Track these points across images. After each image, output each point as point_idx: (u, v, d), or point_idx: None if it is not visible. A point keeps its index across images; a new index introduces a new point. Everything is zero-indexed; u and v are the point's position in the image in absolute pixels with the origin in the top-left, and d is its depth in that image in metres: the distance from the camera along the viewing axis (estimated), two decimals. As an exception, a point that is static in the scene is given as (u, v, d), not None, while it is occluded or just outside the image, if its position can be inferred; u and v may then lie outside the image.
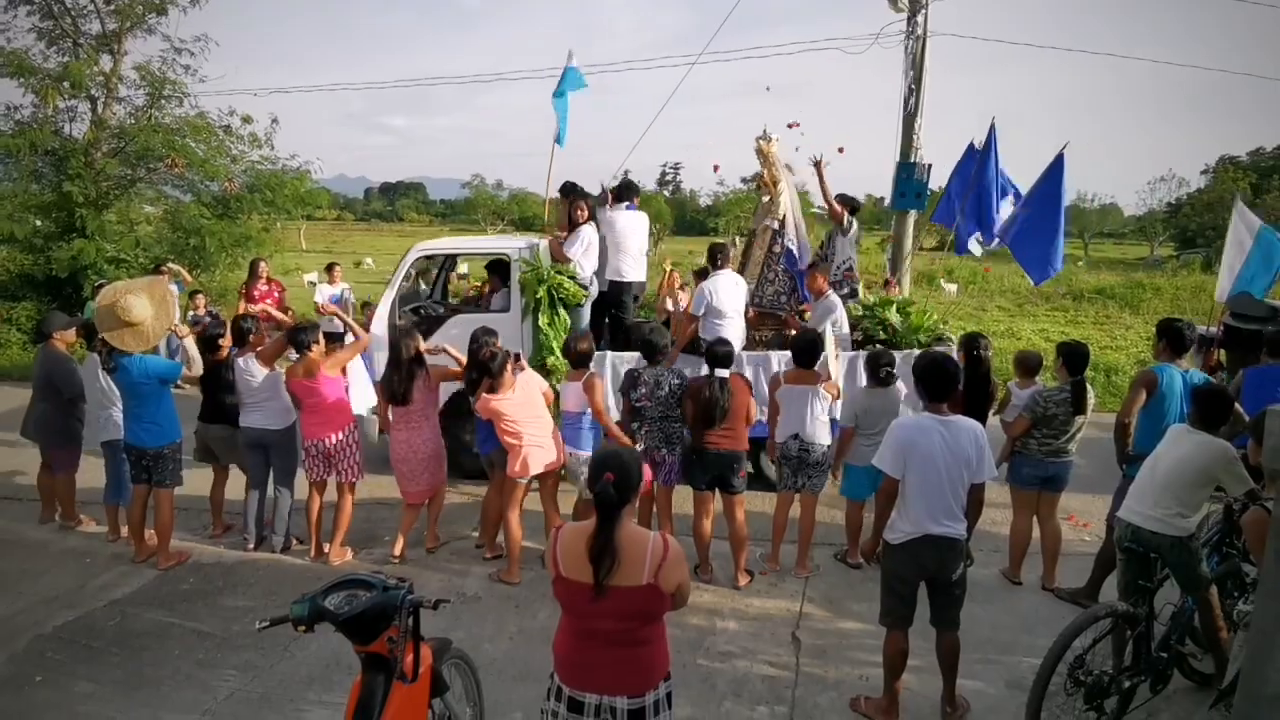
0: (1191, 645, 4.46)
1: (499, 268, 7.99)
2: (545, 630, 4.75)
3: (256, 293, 10.67)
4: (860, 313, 7.58)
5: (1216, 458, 4.11)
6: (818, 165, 8.08)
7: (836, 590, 5.77)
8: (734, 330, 6.94)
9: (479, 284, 10.71)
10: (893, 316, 7.36)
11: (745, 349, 7.12)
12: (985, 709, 4.34)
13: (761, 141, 7.68)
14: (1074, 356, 5.68)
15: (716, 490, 5.75)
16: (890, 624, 4.18)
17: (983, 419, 5.40)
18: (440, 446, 6.19)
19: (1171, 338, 5.45)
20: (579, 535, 2.77)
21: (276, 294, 10.93)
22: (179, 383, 6.18)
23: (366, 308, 7.14)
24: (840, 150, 9.11)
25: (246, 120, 15.72)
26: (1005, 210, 8.16)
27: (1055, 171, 7.27)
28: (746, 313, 7.32)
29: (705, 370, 5.66)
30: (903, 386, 5.95)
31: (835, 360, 6.25)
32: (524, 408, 5.57)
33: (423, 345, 6.07)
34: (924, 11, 10.90)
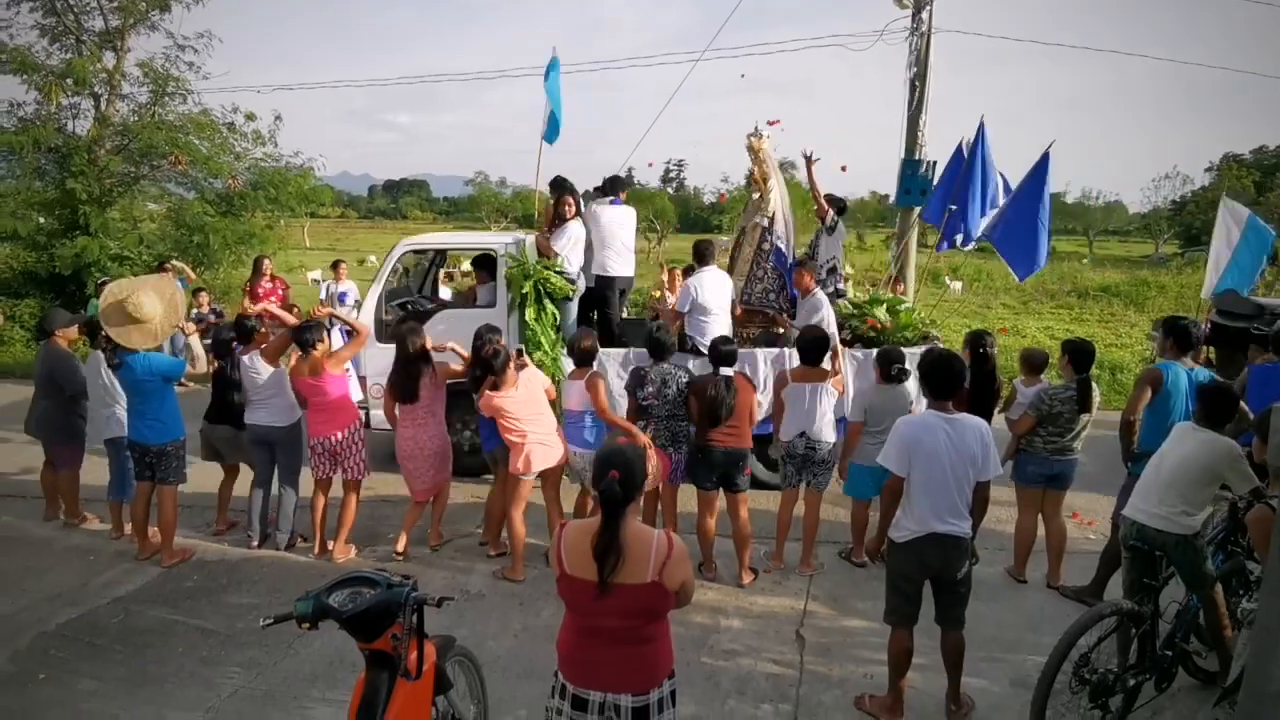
0: (1196, 643, 4.45)
1: (485, 263, 7.98)
2: (549, 628, 4.76)
3: (260, 290, 10.67)
4: (849, 311, 7.58)
5: (1221, 455, 4.10)
6: (808, 160, 8.07)
7: (841, 588, 5.76)
8: (720, 327, 6.92)
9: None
10: (881, 315, 7.36)
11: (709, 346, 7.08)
12: (990, 707, 4.33)
13: (753, 138, 7.66)
14: (1079, 354, 5.66)
15: (721, 488, 5.74)
16: (895, 622, 4.17)
17: (988, 417, 5.39)
18: (446, 443, 6.19)
19: (1177, 335, 5.43)
20: (583, 533, 2.76)
21: (280, 291, 10.93)
22: (183, 380, 6.19)
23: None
24: (844, 169, 9.12)
25: (250, 117, 15.76)
26: (992, 209, 8.14)
27: (1041, 170, 7.25)
28: (734, 310, 7.29)
29: (684, 364, 5.66)
30: (912, 386, 5.93)
31: (840, 357, 6.24)
32: (527, 405, 5.56)
33: (430, 342, 6.07)
34: (928, 8, 10.86)
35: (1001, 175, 8.30)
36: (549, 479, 5.84)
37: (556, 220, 7.42)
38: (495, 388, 5.52)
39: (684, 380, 5.69)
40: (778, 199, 7.72)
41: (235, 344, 6.26)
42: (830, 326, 7.05)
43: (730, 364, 5.64)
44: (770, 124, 7.78)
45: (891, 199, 11.57)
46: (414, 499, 6.19)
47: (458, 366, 6.14)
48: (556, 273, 7.17)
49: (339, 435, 5.94)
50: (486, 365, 5.54)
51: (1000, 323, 19.58)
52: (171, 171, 15.40)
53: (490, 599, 5.52)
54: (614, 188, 7.65)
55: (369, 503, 6.84)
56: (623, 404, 6.04)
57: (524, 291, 7.10)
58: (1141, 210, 62.09)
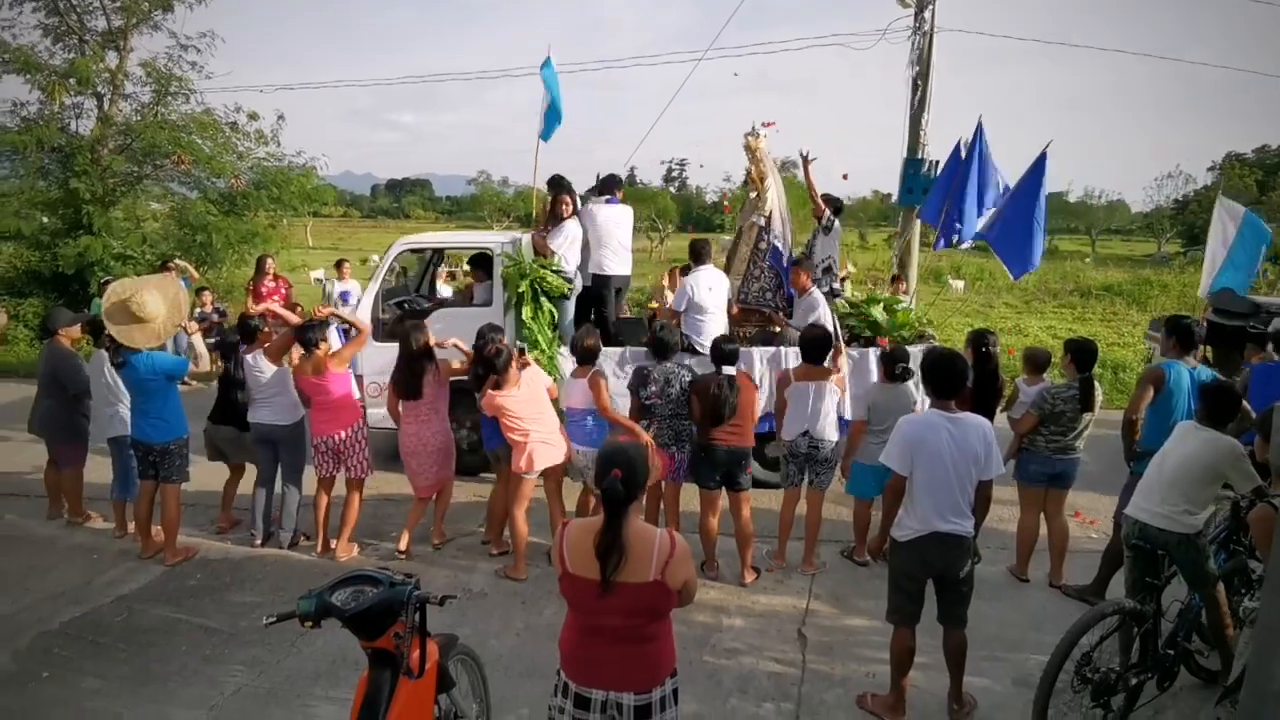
0: (1198, 642, 4.45)
1: (482, 262, 7.98)
2: (552, 626, 4.76)
3: (263, 289, 10.68)
4: (845, 310, 7.59)
5: (1224, 454, 4.10)
6: (805, 160, 8.09)
7: (843, 587, 5.76)
8: (716, 326, 6.94)
9: None
10: (877, 314, 7.36)
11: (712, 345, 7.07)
12: (992, 706, 4.33)
13: (750, 137, 7.67)
14: (1082, 353, 5.66)
15: (723, 487, 5.74)
16: (897, 621, 4.17)
17: (991, 416, 5.38)
18: (450, 440, 6.21)
19: (1180, 334, 5.43)
20: (585, 531, 2.76)
21: (283, 290, 10.94)
22: (186, 379, 6.20)
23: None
24: (845, 177, 9.11)
25: (253, 117, 15.78)
26: (990, 208, 8.12)
27: (1038, 169, 7.23)
28: (731, 309, 7.28)
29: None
30: (913, 386, 5.94)
31: (842, 355, 6.24)
32: (529, 404, 5.57)
33: (433, 339, 6.08)
34: (931, 7, 10.86)
35: (1000, 175, 8.27)
36: (551, 478, 5.84)
37: (553, 219, 7.42)
38: (498, 387, 5.52)
39: (687, 379, 5.70)
40: (775, 198, 7.72)
41: (240, 343, 6.27)
42: (827, 325, 7.06)
43: (732, 363, 5.64)
44: (766, 125, 7.79)
45: (894, 198, 11.57)
46: (417, 495, 6.20)
47: (459, 364, 6.15)
48: (553, 272, 7.17)
49: (342, 434, 5.95)
50: (489, 364, 5.55)
51: (1003, 322, 19.58)
52: (174, 171, 15.42)
53: (492, 598, 5.53)
54: (610, 186, 7.63)
55: (371, 501, 6.84)
56: (621, 403, 6.04)
57: (520, 291, 7.10)
58: (1144, 209, 62.11)
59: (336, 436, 5.94)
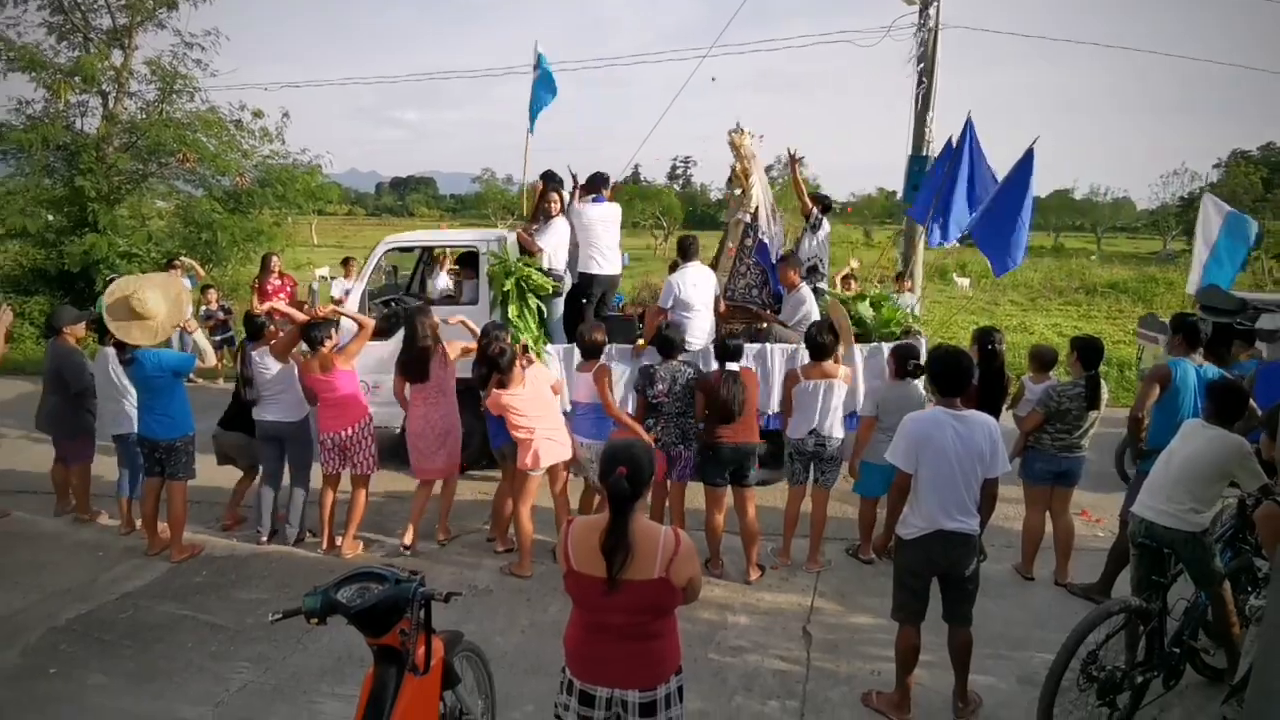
0: (1204, 640, 4.44)
1: (469, 260, 7.96)
2: (556, 624, 4.77)
3: (269, 287, 10.70)
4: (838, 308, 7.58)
5: (1231, 453, 4.08)
6: (793, 159, 8.06)
7: (848, 585, 5.76)
8: (702, 323, 6.93)
9: None
10: (864, 310, 7.36)
11: (715, 342, 7.07)
12: (997, 704, 4.32)
13: (734, 134, 7.68)
14: (1088, 351, 5.64)
15: (730, 484, 5.73)
16: (902, 619, 4.17)
17: (996, 413, 5.37)
18: (457, 423, 6.23)
19: (1186, 332, 5.41)
20: (590, 529, 2.76)
21: (289, 288, 10.97)
22: (191, 376, 6.21)
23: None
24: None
25: (257, 115, 15.78)
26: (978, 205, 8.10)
27: (1024, 166, 7.20)
28: (718, 306, 7.29)
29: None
30: (922, 384, 5.93)
31: (846, 350, 6.25)
32: (534, 402, 5.57)
33: (453, 319, 6.26)
34: (936, 4, 10.84)
35: (993, 172, 8.25)
36: (557, 475, 5.84)
37: (541, 216, 7.40)
38: (502, 385, 5.53)
39: (691, 376, 5.69)
40: (760, 194, 7.73)
41: (247, 341, 6.29)
42: (814, 320, 7.07)
43: (737, 359, 5.64)
44: (760, 138, 7.83)
45: (899, 195, 11.55)
46: (419, 479, 6.22)
47: (468, 344, 6.19)
48: (540, 270, 7.16)
49: (348, 431, 5.96)
50: (493, 363, 5.55)
51: (1008, 319, 19.53)
52: (179, 169, 15.43)
53: (497, 595, 5.53)
54: (597, 185, 7.61)
55: (376, 499, 6.85)
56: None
57: (505, 289, 7.09)
58: (1149, 207, 61.84)
59: (343, 433, 5.95)
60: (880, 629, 4.84)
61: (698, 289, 6.90)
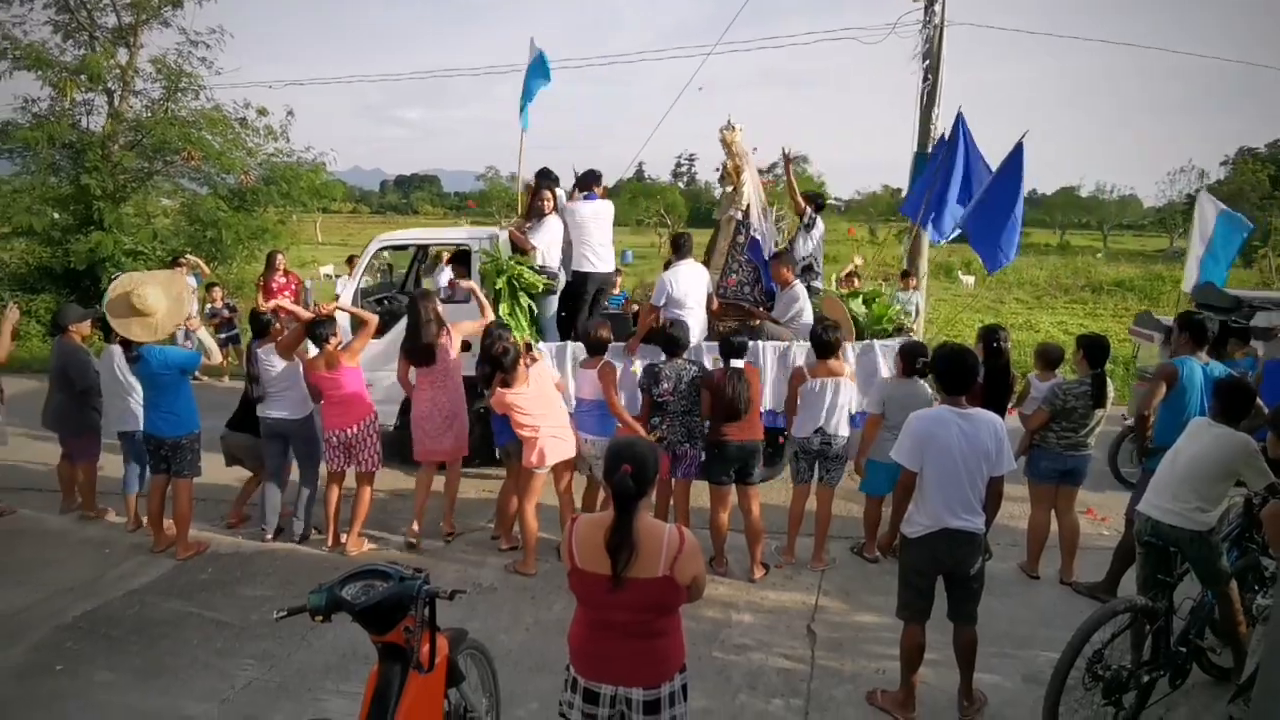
0: (1211, 639, 4.42)
1: (462, 258, 7.96)
2: (561, 621, 4.76)
3: (274, 285, 10.72)
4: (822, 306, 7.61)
5: (1237, 451, 4.07)
6: (786, 159, 8.05)
7: (853, 583, 5.75)
8: (694, 321, 6.91)
9: None
10: (856, 308, 7.35)
11: (708, 339, 7.07)
12: (1002, 703, 4.32)
13: (725, 131, 7.69)
14: (1094, 349, 5.63)
15: (735, 482, 5.73)
16: (907, 618, 4.16)
17: (1002, 412, 5.36)
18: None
19: (1192, 330, 5.39)
20: (595, 527, 2.76)
21: (293, 286, 10.98)
22: (196, 374, 6.22)
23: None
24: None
25: (262, 113, 15.80)
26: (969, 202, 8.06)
27: (1014, 160, 7.16)
28: (710, 303, 7.29)
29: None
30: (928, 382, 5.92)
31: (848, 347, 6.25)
32: (538, 401, 5.57)
33: (464, 283, 6.44)
34: (941, 0, 10.81)
35: (988, 168, 8.22)
36: (561, 473, 5.85)
37: (534, 214, 7.41)
38: (506, 385, 5.53)
39: (696, 374, 5.69)
40: (751, 191, 7.73)
41: (254, 339, 6.31)
42: (808, 316, 7.09)
43: (741, 356, 5.63)
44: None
45: (904, 192, 11.52)
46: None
47: (475, 324, 6.31)
48: (533, 268, 7.16)
49: (354, 429, 5.97)
50: (496, 362, 5.55)
51: (1014, 317, 19.49)
52: (185, 167, 15.44)
53: (502, 593, 5.54)
54: (589, 183, 7.60)
55: (381, 496, 6.86)
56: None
57: (497, 287, 7.10)
58: (1156, 204, 61.71)
59: (348, 431, 5.96)
60: (885, 627, 4.83)
61: (690, 286, 6.89)
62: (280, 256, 11.36)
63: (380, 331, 6.97)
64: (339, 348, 5.98)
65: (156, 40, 15.58)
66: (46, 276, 14.86)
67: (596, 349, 5.86)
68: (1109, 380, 5.61)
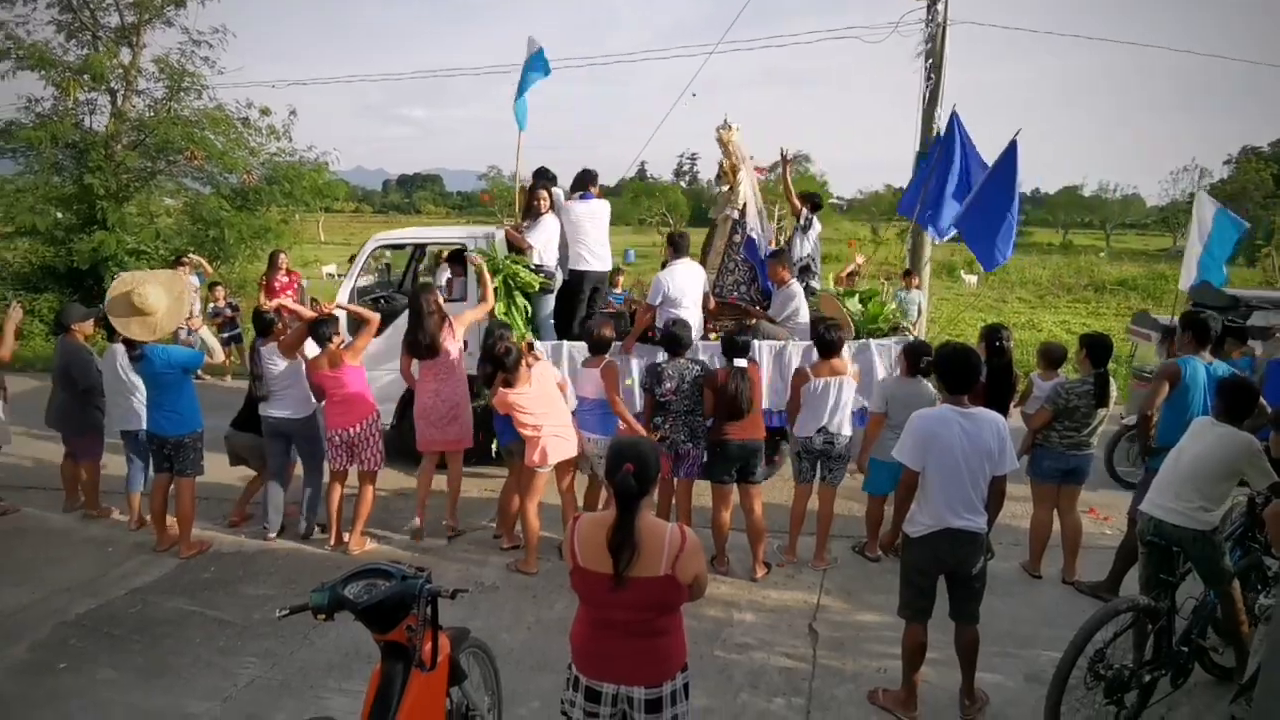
0: (1213, 638, 4.42)
1: (459, 257, 7.99)
2: (563, 620, 4.77)
3: (276, 284, 10.72)
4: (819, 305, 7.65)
5: (1240, 451, 4.07)
6: (784, 160, 8.04)
7: (854, 582, 5.75)
8: (690, 320, 6.91)
9: None
10: (852, 307, 7.36)
11: (703, 339, 7.09)
12: (1004, 702, 4.32)
13: (721, 130, 7.70)
14: (1097, 348, 5.62)
15: (737, 481, 5.73)
16: (909, 617, 4.16)
17: (1004, 411, 5.35)
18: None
19: (1195, 329, 5.38)
20: (597, 526, 2.76)
21: (295, 285, 10.99)
22: (199, 373, 6.23)
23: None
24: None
25: (265, 112, 15.82)
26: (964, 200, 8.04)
27: (1008, 159, 7.15)
28: (707, 303, 7.29)
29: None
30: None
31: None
32: (540, 400, 5.58)
33: (475, 258, 6.62)
34: (944, -1, 10.80)
35: (985, 165, 8.20)
36: (564, 472, 5.85)
37: (530, 214, 7.42)
38: (508, 384, 5.53)
39: (699, 374, 5.68)
40: (748, 190, 7.74)
41: (257, 338, 6.32)
42: (803, 316, 7.11)
43: (744, 355, 5.63)
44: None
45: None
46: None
47: (476, 311, 6.44)
48: (529, 267, 7.17)
49: (356, 428, 5.97)
50: (499, 362, 5.55)
51: (1016, 316, 19.47)
52: (187, 166, 15.48)
53: (504, 591, 5.54)
54: (585, 183, 7.61)
55: (384, 495, 6.87)
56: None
57: (493, 286, 7.10)
58: (1159, 203, 61.62)
59: (351, 430, 5.97)
60: (887, 626, 4.83)
61: (687, 286, 6.91)
62: (283, 256, 11.36)
63: (377, 331, 7.00)
64: (342, 347, 5.98)
65: (159, 40, 15.66)
66: (50, 276, 14.89)
67: (599, 348, 5.86)
68: (1112, 379, 5.60)
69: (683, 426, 5.70)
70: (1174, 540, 4.11)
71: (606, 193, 7.83)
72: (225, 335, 11.90)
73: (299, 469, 6.54)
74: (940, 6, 10.81)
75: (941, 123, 10.77)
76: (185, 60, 15.16)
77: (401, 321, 6.69)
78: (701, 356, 6.53)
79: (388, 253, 9.78)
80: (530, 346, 6.13)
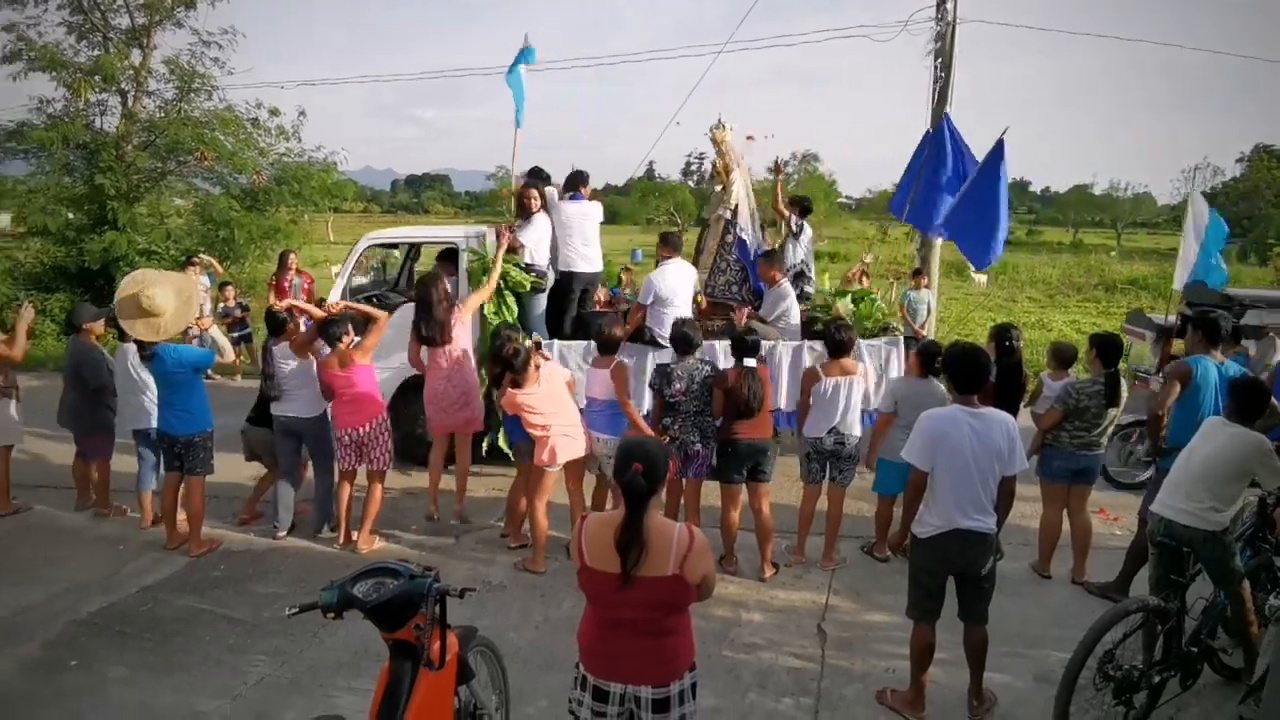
0: (1223, 639, 4.40)
1: (450, 256, 8.00)
2: (570, 620, 4.77)
3: (286, 284, 10.75)
4: (819, 301, 7.68)
5: (1251, 451, 4.05)
6: (777, 169, 8.05)
7: (863, 582, 5.74)
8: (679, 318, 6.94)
9: None
10: (843, 306, 7.36)
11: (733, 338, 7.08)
12: (1013, 702, 4.31)
13: (715, 130, 7.71)
14: (1107, 348, 5.60)
15: (746, 480, 5.72)
16: (917, 617, 4.15)
17: (1014, 411, 5.34)
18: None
19: (1206, 329, 5.36)
20: (605, 525, 2.77)
21: (305, 285, 11.02)
22: (209, 372, 6.26)
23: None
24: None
25: (274, 113, 15.87)
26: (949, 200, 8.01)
27: (995, 157, 7.11)
28: (699, 302, 7.27)
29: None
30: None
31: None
32: (549, 400, 5.58)
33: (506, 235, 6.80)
34: (953, -3, 10.76)
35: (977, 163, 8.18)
36: (572, 471, 5.86)
37: (522, 213, 7.44)
38: (517, 385, 5.54)
39: (708, 374, 5.67)
40: (740, 190, 7.76)
41: (270, 337, 6.34)
42: (794, 316, 7.14)
43: (754, 354, 5.62)
44: (748, 139, 7.83)
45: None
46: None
47: (479, 295, 6.60)
48: (520, 266, 7.18)
49: (366, 427, 5.99)
50: (508, 364, 5.56)
51: (1026, 316, 19.40)
52: (198, 167, 15.56)
53: (511, 590, 5.55)
54: (576, 183, 7.62)
55: (392, 494, 6.89)
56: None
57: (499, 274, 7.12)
58: (1171, 202, 61.26)
59: (360, 429, 5.99)
60: (895, 627, 4.82)
61: (677, 285, 6.93)
62: (293, 256, 11.40)
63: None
64: (351, 346, 6.00)
65: (169, 41, 15.68)
66: (61, 276, 14.97)
67: (609, 348, 5.86)
68: (1122, 380, 5.58)
69: (693, 427, 5.69)
70: (1184, 541, 4.09)
71: (615, 192, 7.87)
72: (235, 335, 11.94)
73: (309, 469, 6.55)
74: (950, 5, 10.78)
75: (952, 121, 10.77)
76: (195, 61, 15.23)
77: (398, 320, 6.74)
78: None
79: (379, 251, 9.77)
80: (538, 346, 6.14)
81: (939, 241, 11.10)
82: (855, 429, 5.83)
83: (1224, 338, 5.45)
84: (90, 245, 13.97)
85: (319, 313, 6.38)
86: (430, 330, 6.24)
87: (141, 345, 5.84)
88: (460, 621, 3.36)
